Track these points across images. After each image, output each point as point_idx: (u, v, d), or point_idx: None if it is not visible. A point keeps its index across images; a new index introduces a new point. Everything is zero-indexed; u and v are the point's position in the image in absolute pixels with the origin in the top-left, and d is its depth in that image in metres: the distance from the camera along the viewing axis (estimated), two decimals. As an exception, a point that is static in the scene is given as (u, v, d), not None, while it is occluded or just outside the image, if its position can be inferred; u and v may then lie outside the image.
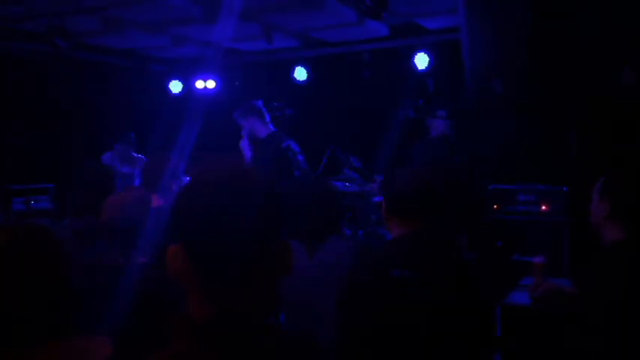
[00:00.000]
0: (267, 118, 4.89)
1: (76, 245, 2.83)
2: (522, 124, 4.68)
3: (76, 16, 5.22)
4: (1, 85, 6.07)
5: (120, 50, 7.00)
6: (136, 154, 6.04)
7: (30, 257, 1.34)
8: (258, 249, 0.98)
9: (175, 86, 7.83)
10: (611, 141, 3.86)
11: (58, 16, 5.15)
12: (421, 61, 6.35)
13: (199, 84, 7.64)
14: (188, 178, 1.08)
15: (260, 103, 4.87)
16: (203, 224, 0.97)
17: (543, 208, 5.54)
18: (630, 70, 3.77)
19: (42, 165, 6.34)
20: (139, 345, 1.51)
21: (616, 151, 3.85)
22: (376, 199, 5.81)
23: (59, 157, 6.41)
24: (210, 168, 1.04)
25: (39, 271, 1.34)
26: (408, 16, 5.88)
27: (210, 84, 7.64)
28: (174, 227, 1.01)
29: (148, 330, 1.64)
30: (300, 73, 7.09)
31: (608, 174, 2.27)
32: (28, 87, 6.34)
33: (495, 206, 5.67)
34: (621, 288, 2.07)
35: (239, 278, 0.97)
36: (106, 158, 5.98)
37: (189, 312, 1.00)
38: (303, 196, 2.61)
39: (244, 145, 4.84)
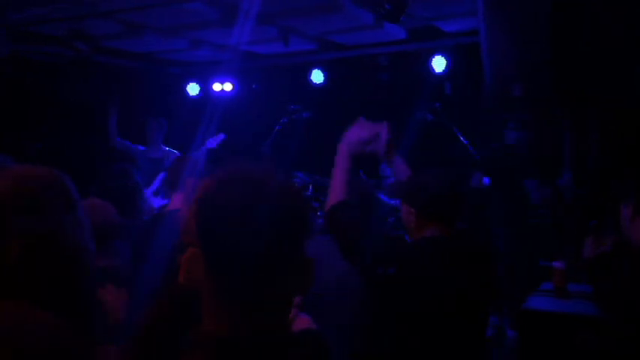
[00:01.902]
0: None
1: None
2: (542, 128, 4.63)
3: (94, 20, 5.27)
4: (19, 88, 6.14)
5: (137, 54, 7.04)
6: (164, 146, 6.06)
7: (51, 264, 1.30)
8: (276, 259, 0.95)
9: (192, 89, 7.86)
10: (634, 144, 3.81)
11: (77, 20, 5.20)
12: (438, 64, 6.32)
13: (216, 87, 7.66)
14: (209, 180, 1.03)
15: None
16: (220, 231, 0.94)
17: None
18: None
19: (60, 168, 6.38)
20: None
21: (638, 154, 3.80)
22: (392, 201, 5.79)
23: (78, 160, 6.46)
24: (235, 172, 1.01)
25: (61, 279, 1.31)
26: (426, 20, 5.85)
27: (228, 87, 7.66)
28: (194, 231, 0.98)
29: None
30: (317, 76, 7.09)
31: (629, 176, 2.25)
32: (45, 90, 6.40)
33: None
34: None
35: (254, 288, 0.95)
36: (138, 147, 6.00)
37: (203, 324, 0.98)
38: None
39: None
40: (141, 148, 6.06)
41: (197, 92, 7.87)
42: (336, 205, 2.13)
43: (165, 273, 2.25)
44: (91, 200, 2.57)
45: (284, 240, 0.96)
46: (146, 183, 5.36)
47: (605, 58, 3.85)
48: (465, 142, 5.45)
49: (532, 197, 4.97)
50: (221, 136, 5.56)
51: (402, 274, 1.99)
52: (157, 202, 4.81)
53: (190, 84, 7.86)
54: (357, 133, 2.23)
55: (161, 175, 5.34)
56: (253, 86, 7.78)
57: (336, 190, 2.14)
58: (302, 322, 1.38)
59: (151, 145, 6.01)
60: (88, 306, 1.38)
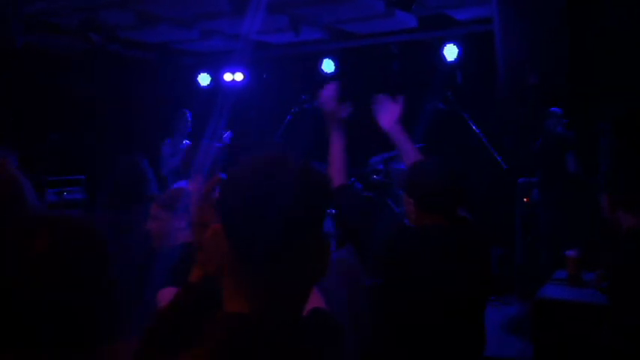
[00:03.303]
0: None
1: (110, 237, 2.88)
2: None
3: (107, 10, 5.29)
4: (34, 79, 6.18)
5: (150, 44, 7.06)
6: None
7: (76, 255, 1.30)
8: (294, 240, 0.96)
9: (204, 79, 7.88)
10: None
11: (91, 11, 5.22)
12: (450, 52, 6.29)
13: (227, 77, 7.68)
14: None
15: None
16: (240, 207, 0.96)
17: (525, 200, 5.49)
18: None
19: (75, 157, 6.45)
20: (172, 337, 1.50)
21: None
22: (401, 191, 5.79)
23: (91, 150, 6.51)
24: (257, 159, 1.03)
25: (86, 271, 1.30)
26: (438, 8, 5.82)
27: (238, 77, 7.66)
28: (218, 208, 1.02)
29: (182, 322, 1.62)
30: (328, 66, 7.07)
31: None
32: (60, 81, 6.44)
33: (525, 199, 5.61)
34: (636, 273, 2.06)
35: (274, 270, 0.96)
36: (166, 145, 6.09)
37: (225, 305, 0.99)
38: None
39: None
40: (168, 141, 6.14)
41: (208, 82, 7.88)
42: (335, 190, 2.14)
43: (179, 261, 2.27)
44: None
45: (304, 224, 0.98)
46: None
47: (621, 48, 3.81)
48: (476, 130, 5.43)
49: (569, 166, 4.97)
50: (229, 134, 5.67)
51: (396, 271, 1.99)
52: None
53: (202, 74, 7.88)
54: (325, 100, 2.27)
55: None
56: (264, 76, 7.78)
57: (333, 173, 2.18)
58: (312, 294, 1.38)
59: (179, 136, 6.10)
60: (112, 291, 1.39)
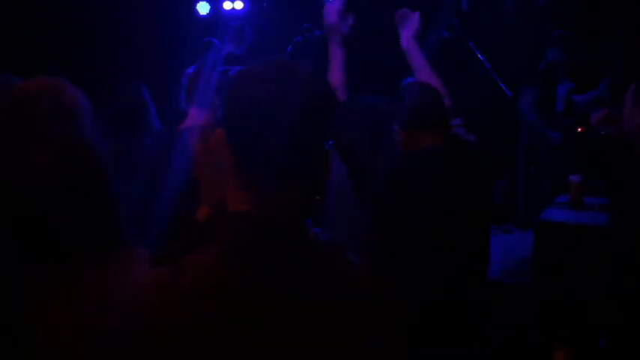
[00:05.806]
0: None
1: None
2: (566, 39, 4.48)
3: None
4: (32, 10, 6.05)
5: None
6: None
7: (77, 169, 1.32)
8: (296, 146, 0.97)
9: (203, 7, 7.71)
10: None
11: None
12: (456, -23, 6.11)
13: (227, 5, 7.51)
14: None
15: None
16: (243, 111, 0.97)
17: (579, 130, 5.45)
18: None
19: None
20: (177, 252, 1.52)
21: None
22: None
23: (90, 79, 6.44)
24: (261, 65, 1.03)
25: (86, 183, 1.33)
26: None
27: (238, 5, 7.50)
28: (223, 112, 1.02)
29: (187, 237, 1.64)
30: (330, -7, 6.90)
31: None
32: (58, 10, 6.31)
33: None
34: None
35: (274, 172, 0.97)
36: (186, 76, 6.05)
37: (229, 206, 1.01)
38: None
39: None
40: (188, 71, 6.09)
41: (207, 11, 7.72)
42: None
43: (184, 188, 2.28)
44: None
45: (307, 130, 0.98)
46: None
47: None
48: (482, 58, 5.33)
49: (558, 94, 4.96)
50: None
51: (391, 192, 2.00)
52: None
53: (200, 3, 7.70)
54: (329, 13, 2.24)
55: None
56: (264, 4, 7.61)
57: None
58: None
59: (202, 67, 6.05)
60: (116, 208, 1.41)
